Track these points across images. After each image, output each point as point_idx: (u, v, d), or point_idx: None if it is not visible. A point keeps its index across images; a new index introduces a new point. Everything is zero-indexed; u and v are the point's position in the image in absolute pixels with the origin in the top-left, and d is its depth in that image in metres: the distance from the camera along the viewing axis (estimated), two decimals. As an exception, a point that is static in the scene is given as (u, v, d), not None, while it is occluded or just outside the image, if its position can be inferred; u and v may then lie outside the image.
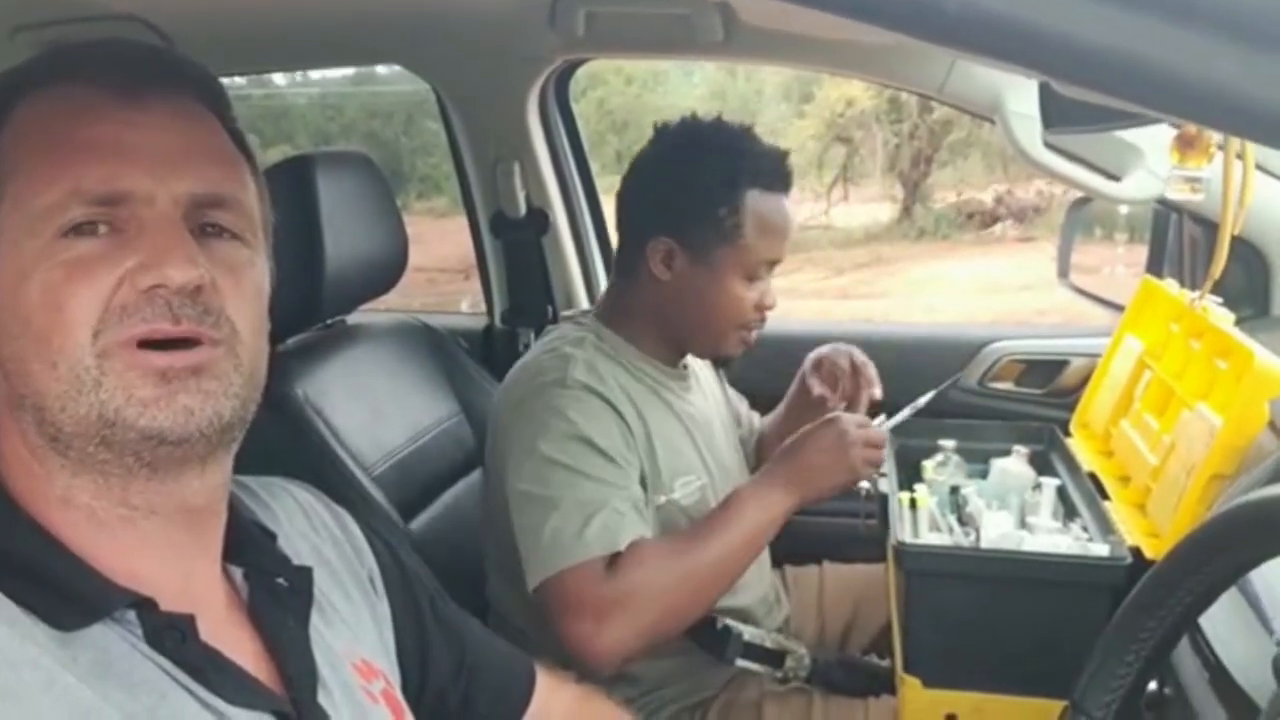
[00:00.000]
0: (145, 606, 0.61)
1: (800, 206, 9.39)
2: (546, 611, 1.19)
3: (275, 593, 0.71)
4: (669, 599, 1.20)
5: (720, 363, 1.42)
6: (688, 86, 10.56)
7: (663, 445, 1.32)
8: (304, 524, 0.80)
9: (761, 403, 1.66)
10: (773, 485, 1.27)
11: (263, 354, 0.68)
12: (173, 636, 0.61)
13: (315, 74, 11.65)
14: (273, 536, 0.75)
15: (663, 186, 1.34)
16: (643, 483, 1.28)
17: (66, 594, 0.60)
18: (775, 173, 1.34)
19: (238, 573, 0.72)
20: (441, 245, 6.85)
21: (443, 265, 7.20)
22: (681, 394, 1.42)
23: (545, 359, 1.32)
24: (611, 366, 1.32)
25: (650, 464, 1.30)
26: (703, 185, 1.31)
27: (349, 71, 9.63)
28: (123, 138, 0.63)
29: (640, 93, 10.27)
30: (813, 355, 1.51)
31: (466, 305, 2.60)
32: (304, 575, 0.73)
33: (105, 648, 0.59)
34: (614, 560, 1.18)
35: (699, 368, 1.51)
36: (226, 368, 0.64)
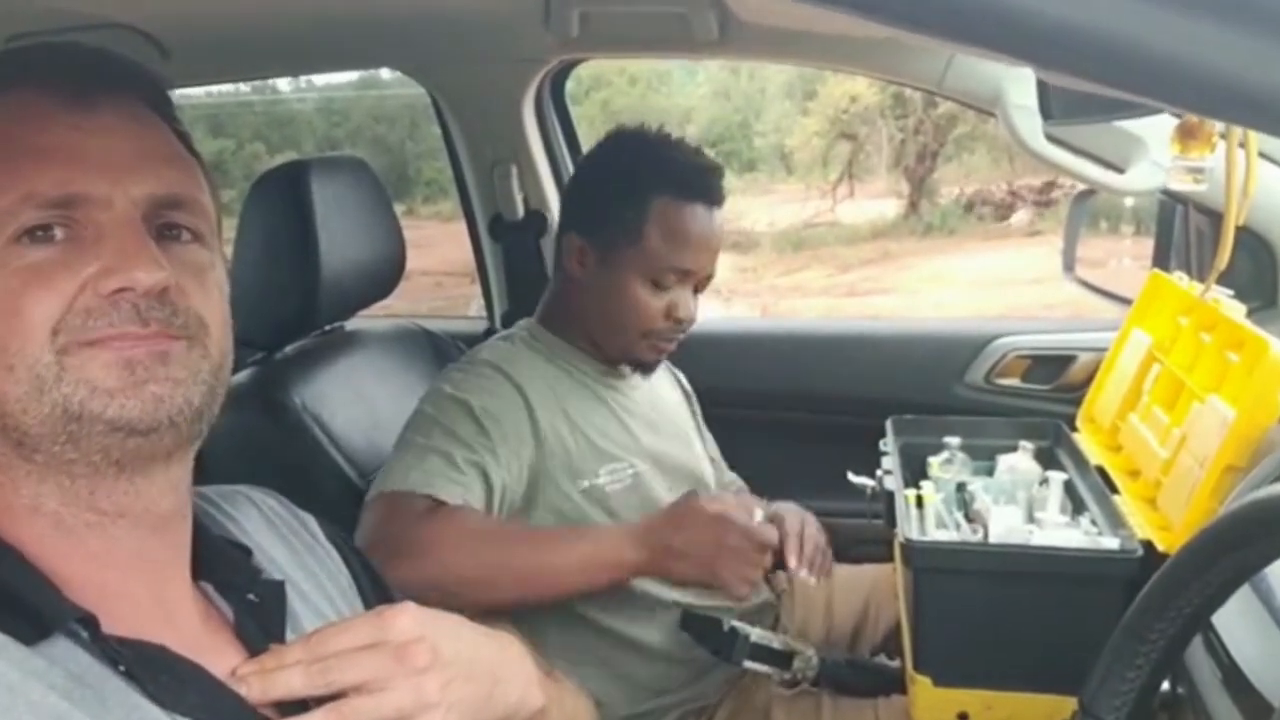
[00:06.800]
0: (89, 623, 0.59)
1: (806, 204, 9.39)
2: (364, 523, 1.20)
3: (251, 609, 0.70)
4: (470, 572, 1.15)
5: (638, 368, 1.42)
6: (691, 86, 10.55)
7: (592, 431, 1.33)
8: (271, 532, 0.79)
9: (765, 400, 1.64)
10: (630, 535, 1.22)
11: (230, 351, 0.67)
12: (123, 656, 0.59)
13: (319, 80, 11.67)
14: (248, 552, 0.74)
15: (579, 187, 1.46)
16: (535, 468, 1.28)
17: (19, 607, 0.58)
18: (689, 183, 1.35)
19: (215, 592, 0.70)
20: (448, 249, 6.85)
21: (449, 269, 7.21)
22: (622, 389, 1.43)
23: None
24: (534, 358, 1.36)
25: (567, 448, 1.30)
26: (609, 185, 1.37)
27: (352, 76, 9.62)
28: (74, 142, 0.62)
29: (644, 93, 10.27)
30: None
31: (474, 309, 2.61)
32: (275, 590, 0.71)
33: (78, 659, 0.58)
34: (437, 508, 1.17)
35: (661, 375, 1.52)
36: (194, 357, 0.62)
